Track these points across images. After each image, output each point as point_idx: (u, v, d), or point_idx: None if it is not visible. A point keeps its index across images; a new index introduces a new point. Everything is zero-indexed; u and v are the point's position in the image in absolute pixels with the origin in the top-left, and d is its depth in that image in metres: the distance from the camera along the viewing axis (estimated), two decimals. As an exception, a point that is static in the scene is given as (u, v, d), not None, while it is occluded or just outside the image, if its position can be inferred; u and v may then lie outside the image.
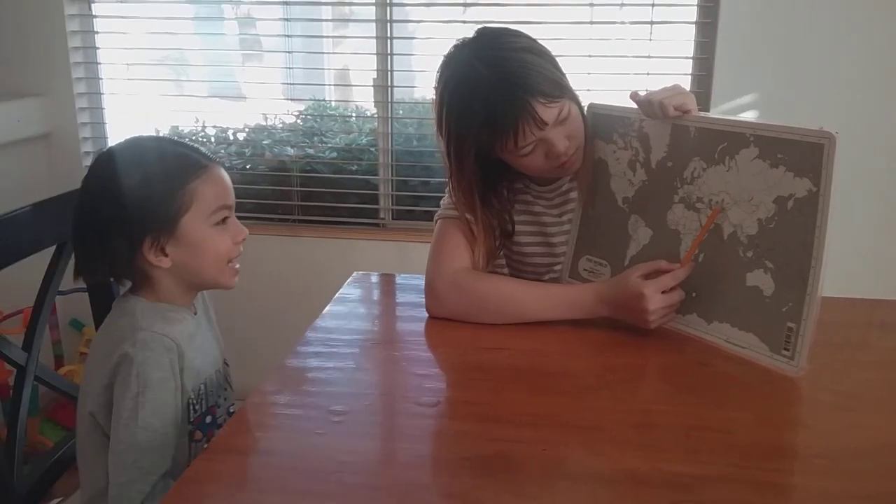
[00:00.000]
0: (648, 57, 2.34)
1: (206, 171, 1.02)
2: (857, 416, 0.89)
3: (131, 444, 0.93)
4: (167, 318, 1.00)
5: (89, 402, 0.99)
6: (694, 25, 2.33)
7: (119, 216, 0.98)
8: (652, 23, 2.33)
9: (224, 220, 1.03)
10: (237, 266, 1.06)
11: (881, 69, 2.20)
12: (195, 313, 1.08)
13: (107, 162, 1.01)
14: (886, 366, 1.04)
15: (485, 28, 1.21)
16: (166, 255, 1.00)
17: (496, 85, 1.12)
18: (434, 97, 1.22)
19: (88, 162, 2.64)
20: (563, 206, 1.34)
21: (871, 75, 2.20)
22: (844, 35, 2.18)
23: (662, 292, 1.08)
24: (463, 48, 1.18)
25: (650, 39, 2.34)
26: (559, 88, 1.15)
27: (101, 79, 2.61)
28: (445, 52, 1.21)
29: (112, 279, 1.12)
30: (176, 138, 1.08)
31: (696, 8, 2.31)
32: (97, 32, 2.57)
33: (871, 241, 2.24)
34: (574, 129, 1.18)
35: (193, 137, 2.69)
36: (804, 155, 0.96)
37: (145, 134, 1.06)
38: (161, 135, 1.09)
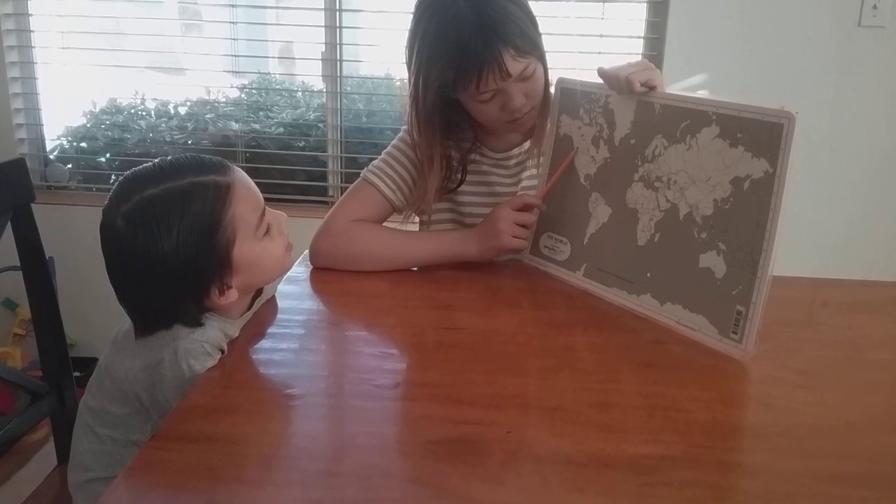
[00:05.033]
0: (601, 36, 2.34)
1: (230, 191, 0.94)
2: (817, 393, 0.89)
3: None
4: (224, 328, 0.97)
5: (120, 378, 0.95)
6: (645, 5, 2.33)
7: (177, 289, 0.92)
8: (604, 1, 2.32)
9: (267, 225, 0.99)
10: (289, 242, 1.04)
11: (831, 52, 2.23)
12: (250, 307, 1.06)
13: (130, 229, 0.90)
14: (838, 343, 1.05)
15: None
16: (231, 287, 0.95)
17: (473, 24, 1.12)
18: (409, 25, 1.21)
19: (21, 134, 2.53)
20: (519, 174, 1.35)
21: (821, 58, 2.24)
22: (796, 16, 2.21)
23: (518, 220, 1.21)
24: None
25: (602, 18, 2.33)
26: (531, 45, 1.16)
27: (34, 47, 2.49)
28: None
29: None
30: (168, 159, 0.97)
31: (647, -13, 2.32)
32: (29, -2, 2.45)
33: (810, 222, 2.29)
34: (533, 89, 1.20)
35: (133, 111, 2.59)
36: (763, 134, 0.95)
37: (137, 170, 0.95)
38: (149, 163, 0.95)
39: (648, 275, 1.09)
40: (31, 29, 2.47)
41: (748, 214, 0.97)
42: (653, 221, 1.08)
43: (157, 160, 0.95)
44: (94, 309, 1.98)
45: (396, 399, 0.87)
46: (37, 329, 1.27)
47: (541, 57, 1.20)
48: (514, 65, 1.14)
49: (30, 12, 2.46)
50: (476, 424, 0.79)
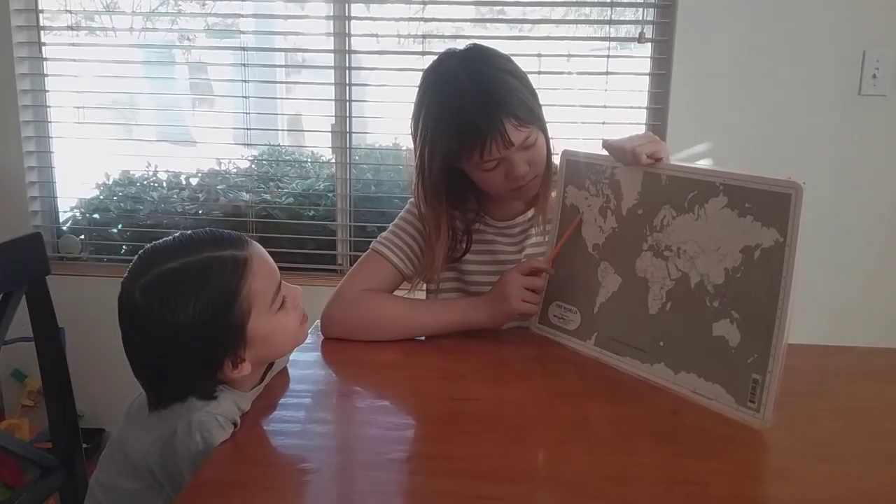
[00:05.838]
0: (604, 107, 2.39)
1: (247, 266, 0.95)
2: (835, 465, 0.88)
3: None
4: (237, 401, 0.97)
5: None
6: (648, 77, 2.38)
7: (191, 361, 0.92)
8: (608, 73, 2.37)
9: (283, 299, 0.99)
10: (304, 314, 1.04)
11: (833, 121, 2.27)
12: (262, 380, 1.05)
13: (147, 301, 0.90)
14: (853, 413, 1.04)
15: (476, 44, 1.26)
16: (245, 361, 0.95)
17: (475, 97, 1.16)
18: (415, 99, 1.25)
19: (35, 206, 2.56)
20: (523, 242, 1.37)
21: (824, 127, 2.27)
22: (797, 85, 2.25)
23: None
24: (452, 57, 1.23)
25: (605, 90, 2.38)
26: (532, 115, 1.20)
27: (50, 122, 2.55)
28: (434, 61, 1.25)
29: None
30: (188, 233, 0.97)
31: (649, 59, 2.37)
32: (47, 75, 2.51)
33: (816, 288, 2.27)
34: (536, 158, 1.23)
35: (145, 182, 2.63)
36: (771, 205, 0.96)
37: (157, 244, 0.96)
38: (169, 237, 0.96)
39: (661, 344, 1.09)
40: (48, 104, 2.53)
41: (760, 283, 0.97)
42: (664, 290, 1.09)
43: (176, 234, 0.97)
44: (102, 380, 1.97)
45: (409, 473, 0.86)
46: (47, 401, 1.27)
47: (542, 127, 1.24)
48: (516, 134, 1.18)
49: (47, 88, 2.52)
50: (490, 500, 0.78)
